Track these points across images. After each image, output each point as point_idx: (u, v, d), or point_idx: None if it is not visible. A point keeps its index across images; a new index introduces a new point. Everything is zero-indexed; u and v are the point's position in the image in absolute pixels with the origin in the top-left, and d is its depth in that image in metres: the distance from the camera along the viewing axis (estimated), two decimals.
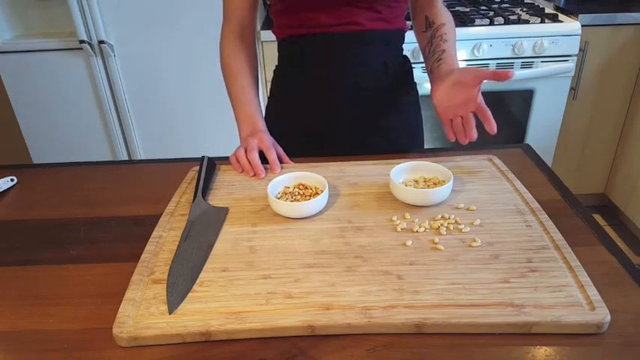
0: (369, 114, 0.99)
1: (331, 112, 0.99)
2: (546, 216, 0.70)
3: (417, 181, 0.78)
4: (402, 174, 0.80)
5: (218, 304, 0.57)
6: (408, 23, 1.01)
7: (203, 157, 0.86)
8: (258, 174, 0.84)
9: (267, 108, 1.08)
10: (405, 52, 1.03)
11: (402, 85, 1.03)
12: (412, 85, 1.06)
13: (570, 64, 1.86)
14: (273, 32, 1.01)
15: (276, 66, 1.05)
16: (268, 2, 0.95)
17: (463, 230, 0.68)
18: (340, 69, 0.96)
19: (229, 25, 0.97)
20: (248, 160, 0.86)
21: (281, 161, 0.88)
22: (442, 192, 0.73)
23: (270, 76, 1.06)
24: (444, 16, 0.96)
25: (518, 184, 0.79)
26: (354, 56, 0.95)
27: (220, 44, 0.98)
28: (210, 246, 0.67)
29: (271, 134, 0.94)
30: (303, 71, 0.98)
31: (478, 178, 0.81)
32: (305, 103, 1.00)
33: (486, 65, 1.84)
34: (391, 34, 0.97)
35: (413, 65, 1.05)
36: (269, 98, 1.08)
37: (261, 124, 0.93)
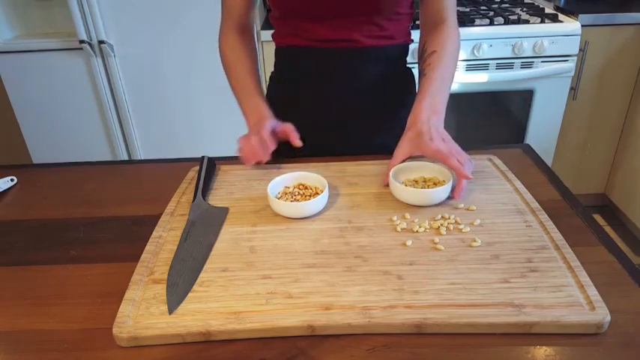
0: (366, 132, 0.97)
1: (327, 128, 0.97)
2: (546, 216, 0.70)
3: (416, 181, 0.78)
4: (402, 174, 0.80)
5: (218, 304, 0.57)
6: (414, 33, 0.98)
7: (203, 157, 0.86)
8: (258, 156, 0.81)
9: None
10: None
11: (402, 101, 1.00)
12: (413, 100, 1.04)
13: (570, 64, 1.86)
14: (273, 38, 1.00)
15: (272, 72, 1.04)
16: (268, 3, 0.95)
17: (463, 230, 0.68)
18: (336, 85, 0.94)
19: (228, 22, 0.96)
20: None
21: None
22: (442, 192, 0.73)
23: (269, 75, 1.05)
24: (442, 42, 0.91)
25: (518, 184, 0.79)
26: (352, 73, 0.93)
27: (220, 42, 0.98)
28: (210, 246, 0.67)
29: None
30: (298, 85, 0.97)
31: (478, 178, 0.81)
32: (299, 117, 0.96)
33: (486, 65, 1.84)
34: (393, 49, 0.95)
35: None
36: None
37: (267, 112, 0.90)
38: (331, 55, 0.92)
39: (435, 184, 0.77)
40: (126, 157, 2.06)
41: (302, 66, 0.96)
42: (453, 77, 0.91)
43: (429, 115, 0.82)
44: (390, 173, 0.77)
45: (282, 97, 1.02)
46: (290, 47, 0.96)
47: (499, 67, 1.85)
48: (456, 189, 0.76)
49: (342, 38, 0.90)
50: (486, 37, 1.80)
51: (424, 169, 0.80)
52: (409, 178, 0.80)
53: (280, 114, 1.01)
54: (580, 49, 1.85)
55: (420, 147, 0.79)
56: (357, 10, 0.88)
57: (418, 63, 0.98)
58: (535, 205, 0.73)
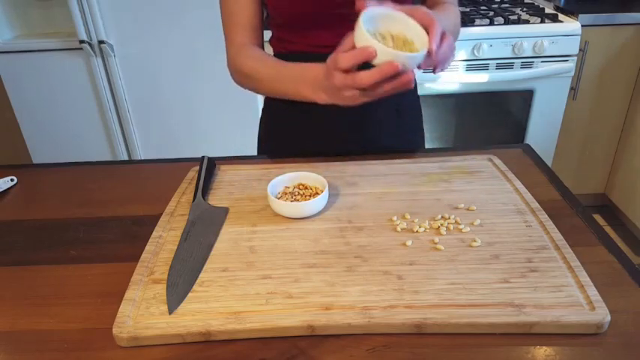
0: (367, 136, 0.95)
1: (327, 133, 0.94)
2: (546, 216, 0.70)
3: (383, 36, 0.66)
4: (376, 22, 0.66)
5: (218, 304, 0.57)
6: None
7: (203, 157, 0.86)
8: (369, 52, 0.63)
9: (260, 123, 1.04)
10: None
11: (404, 105, 0.98)
12: (416, 104, 1.02)
13: (570, 64, 1.86)
14: (271, 44, 0.97)
15: None
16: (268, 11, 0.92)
17: (463, 230, 0.68)
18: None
19: (242, 38, 0.89)
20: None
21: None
22: (418, 58, 0.63)
23: None
24: (445, 8, 0.88)
25: (518, 184, 0.79)
26: None
27: (234, 63, 0.89)
28: (210, 246, 0.67)
29: (265, 150, 0.89)
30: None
31: (478, 178, 0.81)
32: (299, 122, 0.94)
33: (486, 65, 1.84)
34: None
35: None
36: (262, 111, 1.04)
37: (316, 66, 0.78)
38: None
39: (405, 44, 0.66)
40: (126, 157, 2.06)
41: None
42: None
43: None
44: (361, 18, 0.63)
45: (280, 102, 1.01)
46: (290, 53, 0.93)
47: (499, 67, 1.85)
48: (423, 63, 0.65)
49: None
50: (486, 37, 1.80)
51: (403, 24, 0.66)
52: (381, 29, 0.67)
53: (279, 119, 1.00)
54: (580, 49, 1.85)
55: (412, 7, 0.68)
56: None
57: None
58: (535, 205, 0.73)
